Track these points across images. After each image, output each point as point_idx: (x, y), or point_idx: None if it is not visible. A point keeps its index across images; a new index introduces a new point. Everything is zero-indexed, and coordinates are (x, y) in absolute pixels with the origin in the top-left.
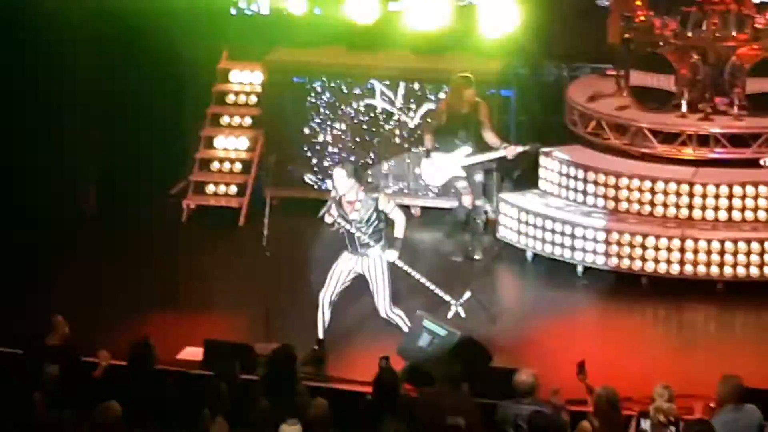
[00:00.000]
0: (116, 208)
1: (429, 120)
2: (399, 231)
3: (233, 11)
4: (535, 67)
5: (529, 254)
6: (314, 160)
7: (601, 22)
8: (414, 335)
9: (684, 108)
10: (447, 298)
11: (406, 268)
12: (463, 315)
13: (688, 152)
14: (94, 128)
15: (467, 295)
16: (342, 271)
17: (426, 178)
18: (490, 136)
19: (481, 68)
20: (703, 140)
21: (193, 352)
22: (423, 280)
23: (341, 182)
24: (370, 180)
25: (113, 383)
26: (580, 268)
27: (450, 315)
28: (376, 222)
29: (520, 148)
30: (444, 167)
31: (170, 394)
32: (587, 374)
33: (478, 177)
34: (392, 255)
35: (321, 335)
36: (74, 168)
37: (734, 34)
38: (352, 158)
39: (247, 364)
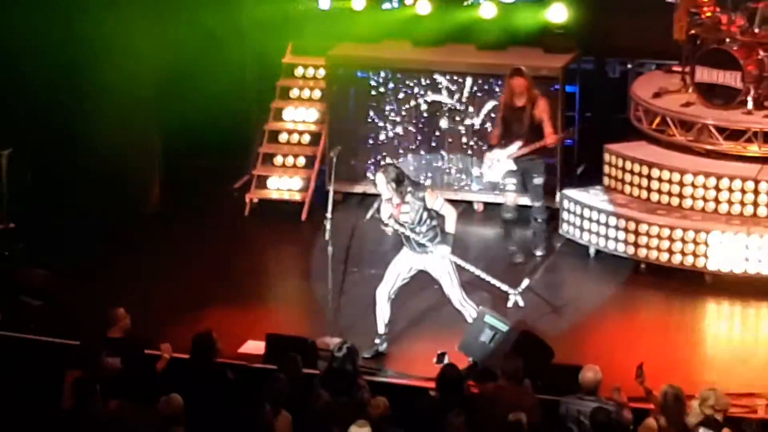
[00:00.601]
0: (180, 203)
1: (494, 115)
2: (450, 226)
3: (299, 6)
4: (599, 63)
5: (591, 250)
6: (378, 155)
7: (668, 17)
8: (476, 331)
9: (750, 105)
10: (505, 288)
11: (460, 261)
12: (521, 304)
13: (754, 149)
14: (157, 124)
15: (525, 282)
16: (402, 267)
17: (485, 173)
18: (547, 131)
19: (546, 64)
20: None
21: (255, 346)
22: (478, 272)
23: (383, 187)
24: (417, 178)
25: (175, 376)
26: (643, 265)
27: (510, 304)
28: (428, 220)
29: (557, 136)
30: (499, 162)
31: (232, 387)
32: (645, 377)
33: (538, 180)
34: (444, 250)
35: (382, 330)
36: (138, 164)
37: None
38: (410, 157)
39: (309, 358)
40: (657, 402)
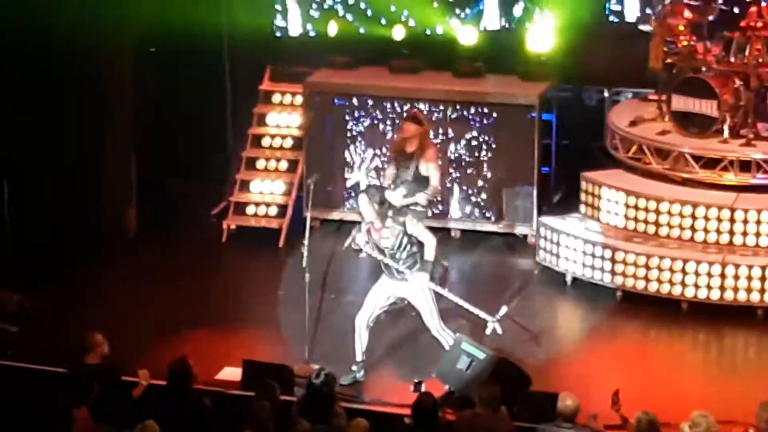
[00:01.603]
0: (157, 228)
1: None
2: (429, 254)
3: (277, 33)
4: (576, 91)
5: (568, 278)
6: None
7: (644, 46)
8: (453, 358)
9: (726, 133)
10: (483, 315)
11: (438, 289)
12: (499, 332)
13: (730, 178)
14: (132, 149)
15: (504, 309)
16: (381, 295)
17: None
18: (430, 186)
19: (523, 91)
20: (745, 166)
21: (231, 373)
22: (457, 299)
23: (366, 209)
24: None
25: (152, 402)
26: (619, 293)
27: (488, 332)
28: (408, 246)
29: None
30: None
31: (209, 414)
32: (621, 405)
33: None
34: (423, 278)
35: (359, 357)
36: (114, 189)
37: None
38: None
39: (286, 385)
40: (632, 429)
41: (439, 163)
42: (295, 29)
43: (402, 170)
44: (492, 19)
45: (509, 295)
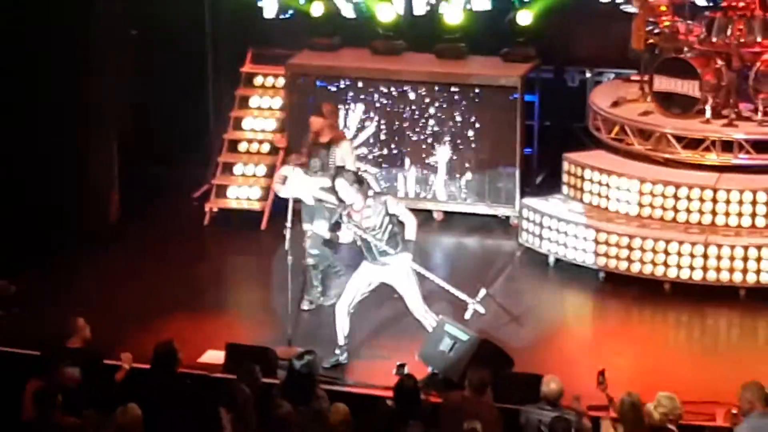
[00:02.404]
0: (139, 213)
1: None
2: (410, 233)
3: (269, 14)
4: (558, 72)
5: (551, 259)
6: None
7: (626, 27)
8: (436, 340)
9: (708, 114)
10: (464, 297)
11: (420, 270)
12: (482, 311)
13: (712, 158)
14: (114, 132)
15: (483, 292)
16: (362, 282)
17: (277, 188)
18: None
19: (505, 73)
20: (727, 146)
21: (214, 356)
22: (438, 281)
23: (345, 192)
24: (381, 183)
25: (135, 386)
26: (602, 274)
27: (468, 315)
28: (390, 226)
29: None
30: (302, 186)
31: (191, 396)
32: (607, 384)
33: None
34: (406, 258)
35: (342, 341)
36: (96, 172)
37: (759, 39)
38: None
39: (269, 368)
40: (615, 410)
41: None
42: (276, 10)
43: (323, 159)
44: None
45: (492, 277)
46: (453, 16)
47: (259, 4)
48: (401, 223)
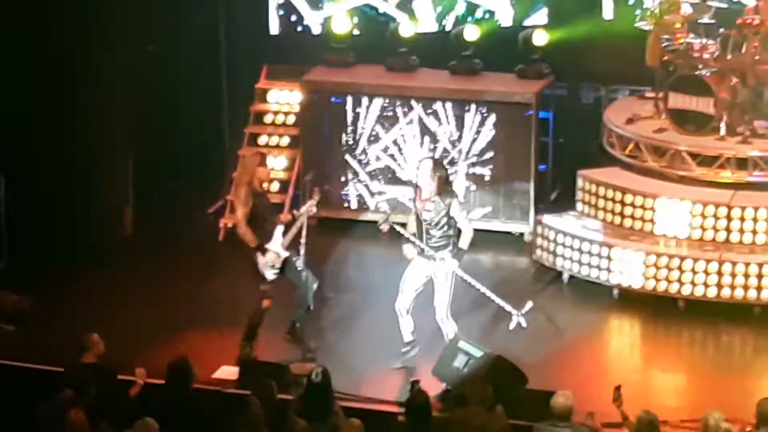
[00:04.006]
0: (154, 227)
1: (238, 211)
2: (465, 242)
3: (273, 30)
4: (573, 89)
5: (565, 276)
6: (352, 181)
7: (641, 44)
8: (450, 356)
9: (723, 131)
10: (509, 308)
11: (467, 278)
12: (524, 325)
13: (727, 175)
14: (131, 147)
15: (529, 305)
16: (415, 277)
17: (267, 275)
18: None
19: (519, 90)
20: (742, 163)
21: (229, 371)
22: (485, 290)
23: (424, 175)
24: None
25: (149, 401)
26: (616, 291)
27: (512, 326)
28: (445, 227)
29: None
30: (279, 257)
31: (207, 412)
32: (623, 400)
33: (299, 262)
34: (453, 264)
35: (408, 338)
36: (111, 188)
37: None
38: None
39: (283, 384)
40: (632, 427)
41: None
42: (294, 26)
43: (268, 212)
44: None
45: (506, 294)
46: (469, 33)
47: (274, 20)
48: (459, 230)
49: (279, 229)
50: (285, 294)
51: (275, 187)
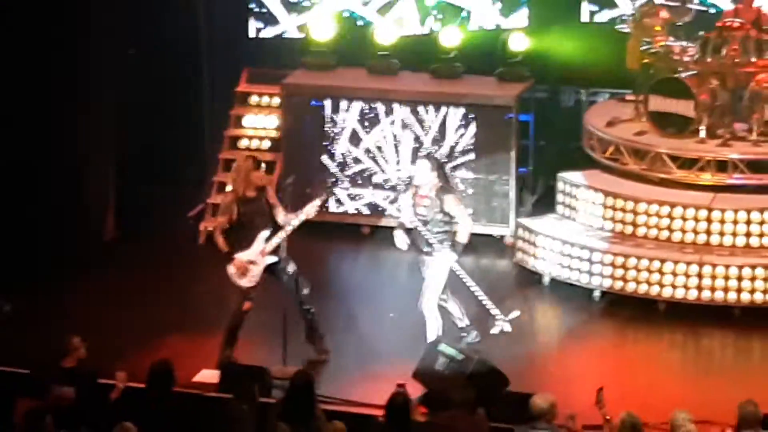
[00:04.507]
0: (135, 231)
1: (218, 218)
2: (462, 236)
3: (251, 34)
4: (553, 92)
5: (545, 279)
6: (333, 185)
7: (620, 47)
8: (430, 359)
9: (703, 133)
10: (495, 312)
11: (461, 273)
12: (508, 329)
13: (707, 178)
14: (111, 151)
15: (515, 314)
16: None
17: (244, 282)
18: (281, 216)
19: (500, 93)
20: (722, 166)
21: (209, 375)
22: (476, 289)
23: (422, 173)
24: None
25: (130, 405)
26: (597, 293)
27: (495, 331)
28: (440, 223)
29: (297, 219)
30: (258, 265)
31: (187, 416)
32: (605, 403)
33: (291, 267)
34: (451, 257)
35: (462, 323)
36: (91, 192)
37: (753, 60)
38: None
39: (264, 387)
40: (614, 430)
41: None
42: (272, 30)
43: (258, 219)
44: (480, 20)
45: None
46: (450, 37)
47: (253, 24)
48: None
49: (261, 236)
50: (259, 294)
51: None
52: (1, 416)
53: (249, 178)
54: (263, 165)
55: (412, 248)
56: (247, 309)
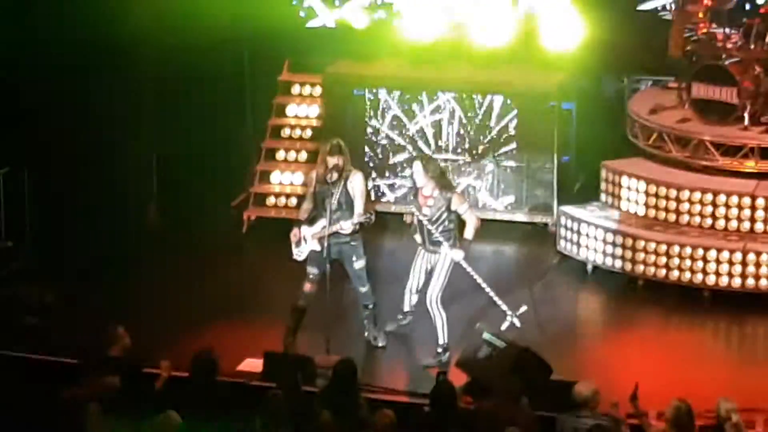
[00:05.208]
0: (178, 221)
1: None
2: (469, 233)
3: (300, 23)
4: (596, 80)
5: (589, 267)
6: (373, 173)
7: (664, 34)
8: (473, 348)
9: (746, 121)
10: (504, 307)
11: (470, 270)
12: (518, 325)
13: (750, 165)
14: (155, 141)
15: (523, 308)
16: (419, 267)
17: (294, 251)
18: (355, 212)
19: (542, 81)
20: (766, 153)
21: (253, 364)
22: (485, 285)
23: (419, 176)
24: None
25: (174, 394)
26: (639, 282)
27: (504, 326)
28: (446, 222)
29: (356, 220)
30: (306, 242)
31: (231, 405)
32: (639, 400)
33: (359, 263)
34: (458, 255)
35: (406, 309)
36: (136, 181)
37: None
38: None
39: (307, 376)
40: (669, 417)
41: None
42: (316, 20)
43: (327, 202)
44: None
45: (529, 285)
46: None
47: (300, 13)
48: (463, 222)
49: (322, 221)
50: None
51: (298, 179)
52: (48, 405)
53: (326, 162)
54: (344, 149)
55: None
56: (308, 291)
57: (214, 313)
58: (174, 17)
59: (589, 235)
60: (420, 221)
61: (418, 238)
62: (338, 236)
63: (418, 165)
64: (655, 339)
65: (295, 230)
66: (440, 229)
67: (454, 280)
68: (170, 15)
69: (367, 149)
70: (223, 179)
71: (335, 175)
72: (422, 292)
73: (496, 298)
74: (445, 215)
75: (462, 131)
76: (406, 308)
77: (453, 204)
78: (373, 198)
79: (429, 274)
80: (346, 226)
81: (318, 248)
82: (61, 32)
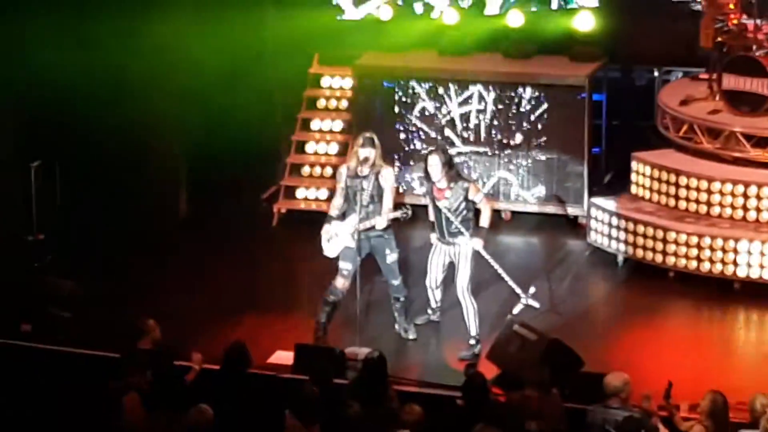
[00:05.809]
0: (208, 213)
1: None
2: (485, 221)
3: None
4: (626, 71)
5: (620, 258)
6: (403, 165)
7: (694, 25)
8: (504, 339)
9: None
10: (518, 291)
11: (488, 257)
12: (537, 306)
13: None
14: (185, 133)
15: (532, 290)
16: (437, 262)
17: (324, 246)
18: (385, 206)
19: (572, 72)
20: None
21: (284, 356)
22: (501, 271)
23: (435, 169)
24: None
25: (205, 387)
26: (670, 274)
27: (516, 310)
28: (464, 212)
29: (393, 214)
30: (338, 236)
31: (262, 398)
32: (671, 398)
33: (391, 257)
34: (477, 243)
35: (434, 305)
36: (166, 173)
37: None
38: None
39: (338, 368)
40: (704, 408)
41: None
42: (346, 13)
43: (359, 196)
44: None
45: (560, 276)
46: (517, 18)
47: (334, 2)
48: (478, 210)
49: (354, 216)
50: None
51: (329, 172)
52: (80, 398)
53: (357, 154)
54: (376, 142)
55: (438, 237)
56: (341, 287)
57: (244, 306)
58: (207, 16)
59: (620, 227)
60: (437, 215)
61: (434, 236)
62: (371, 230)
63: (435, 158)
64: (685, 331)
65: (326, 227)
66: (460, 219)
67: (477, 273)
68: (204, 13)
69: (397, 141)
70: (254, 172)
71: (366, 169)
72: (444, 286)
73: (511, 283)
74: (463, 205)
75: (492, 123)
76: (433, 304)
77: (470, 193)
78: (401, 191)
79: (448, 268)
80: (381, 223)
81: (352, 244)
82: (89, 24)
